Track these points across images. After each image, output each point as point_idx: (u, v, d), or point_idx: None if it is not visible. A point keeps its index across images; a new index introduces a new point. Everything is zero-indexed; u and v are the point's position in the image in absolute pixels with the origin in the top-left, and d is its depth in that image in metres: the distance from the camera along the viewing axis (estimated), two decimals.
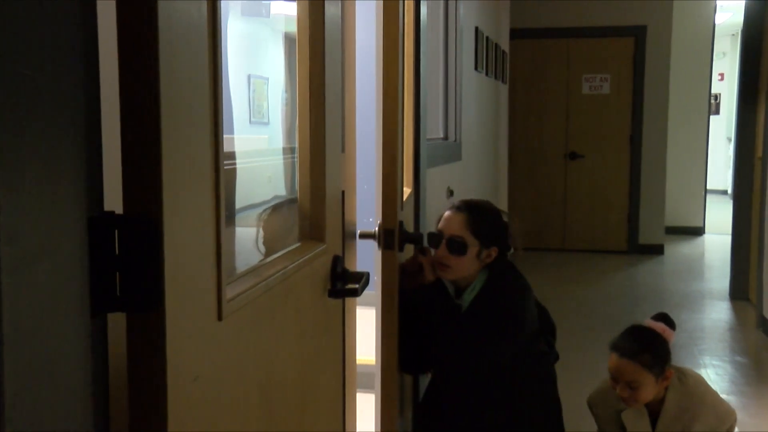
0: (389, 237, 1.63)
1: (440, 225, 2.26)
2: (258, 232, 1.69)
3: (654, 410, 2.28)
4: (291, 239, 1.46)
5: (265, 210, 1.80)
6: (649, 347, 2.21)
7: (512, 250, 2.30)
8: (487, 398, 2.27)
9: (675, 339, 2.36)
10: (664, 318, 2.30)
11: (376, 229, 1.80)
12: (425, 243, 2.34)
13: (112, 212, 0.74)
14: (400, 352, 2.19)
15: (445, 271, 2.22)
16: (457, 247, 2.19)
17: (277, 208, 1.84)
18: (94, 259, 0.71)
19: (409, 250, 2.37)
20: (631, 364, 2.19)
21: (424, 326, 2.23)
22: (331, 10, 1.45)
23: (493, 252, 2.23)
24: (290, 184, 1.74)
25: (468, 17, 4.56)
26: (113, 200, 0.76)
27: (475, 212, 2.24)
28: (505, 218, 2.32)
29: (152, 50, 0.74)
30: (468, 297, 2.24)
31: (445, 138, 4.08)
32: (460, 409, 2.31)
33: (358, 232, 2.02)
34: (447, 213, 2.27)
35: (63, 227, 0.66)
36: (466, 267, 2.22)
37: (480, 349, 2.18)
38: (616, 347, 2.25)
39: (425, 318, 2.22)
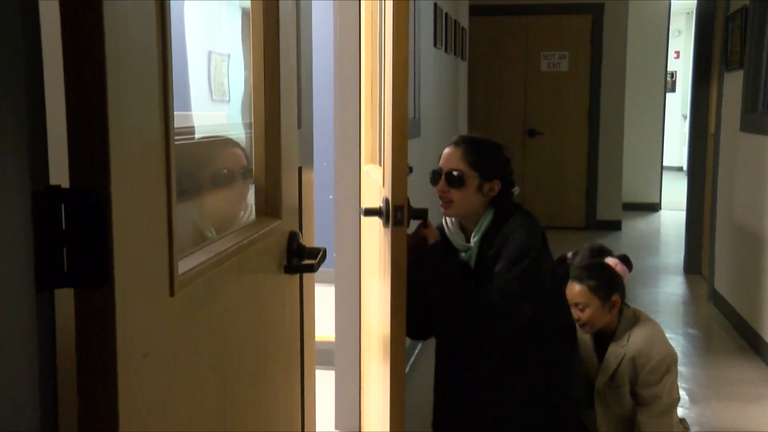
0: (399, 213, 1.64)
1: (440, 162, 2.25)
2: None
3: (606, 342, 2.55)
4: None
5: None
6: (595, 275, 2.52)
7: (517, 188, 2.28)
8: (499, 373, 2.18)
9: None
10: (622, 257, 2.63)
11: (382, 205, 1.79)
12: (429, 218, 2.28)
13: (58, 186, 0.72)
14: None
15: (448, 207, 2.21)
16: (454, 180, 2.18)
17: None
18: (39, 234, 0.69)
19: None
20: (576, 286, 2.50)
21: (430, 288, 2.14)
22: None
23: (495, 186, 2.21)
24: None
25: None
26: (60, 174, 0.74)
27: (471, 145, 2.24)
28: (508, 153, 2.29)
29: (97, 22, 0.72)
30: (476, 236, 2.20)
31: None
32: (473, 383, 2.22)
33: (363, 209, 1.99)
34: (446, 149, 2.26)
35: (6, 202, 0.65)
36: (469, 201, 2.20)
37: (493, 306, 2.07)
38: (572, 275, 2.56)
39: (431, 279, 2.13)
